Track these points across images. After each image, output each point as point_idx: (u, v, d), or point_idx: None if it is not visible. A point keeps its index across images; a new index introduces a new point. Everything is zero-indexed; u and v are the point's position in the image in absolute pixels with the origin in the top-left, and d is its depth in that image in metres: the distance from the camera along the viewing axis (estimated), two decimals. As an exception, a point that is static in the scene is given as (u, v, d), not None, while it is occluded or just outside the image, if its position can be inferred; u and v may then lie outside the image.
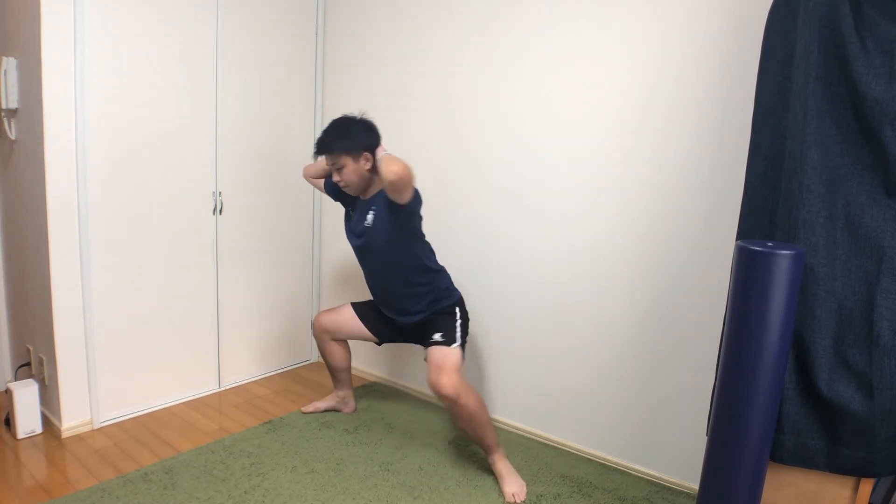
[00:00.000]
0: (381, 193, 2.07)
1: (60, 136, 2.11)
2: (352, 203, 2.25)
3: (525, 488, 1.98)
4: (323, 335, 2.41)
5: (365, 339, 2.38)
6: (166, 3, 2.34)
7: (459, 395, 1.94)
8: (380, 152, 2.05)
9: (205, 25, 2.49)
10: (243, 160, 2.73)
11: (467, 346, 2.64)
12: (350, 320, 2.36)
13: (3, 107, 2.25)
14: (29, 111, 2.18)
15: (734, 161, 1.85)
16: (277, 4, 2.77)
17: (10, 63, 2.22)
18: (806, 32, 1.33)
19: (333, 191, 2.30)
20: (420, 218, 2.13)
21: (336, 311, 2.39)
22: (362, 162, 2.06)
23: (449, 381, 1.95)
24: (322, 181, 2.36)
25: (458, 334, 2.12)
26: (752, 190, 1.48)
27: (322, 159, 2.23)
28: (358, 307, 2.39)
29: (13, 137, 2.32)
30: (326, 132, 2.08)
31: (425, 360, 2.10)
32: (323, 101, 3.06)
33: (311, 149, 3.02)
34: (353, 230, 2.21)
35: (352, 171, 2.06)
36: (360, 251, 2.21)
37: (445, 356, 2.03)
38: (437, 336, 2.10)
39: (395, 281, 2.16)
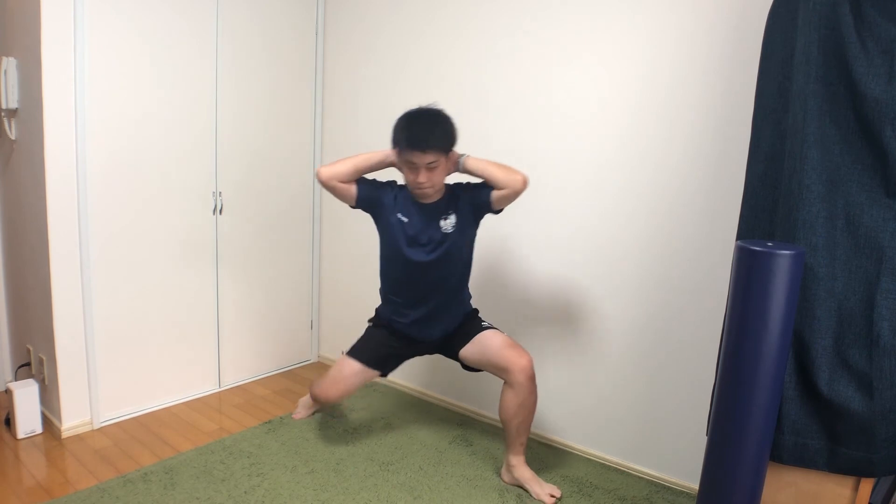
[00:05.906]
0: (458, 197, 1.93)
1: (60, 136, 2.11)
2: (400, 209, 1.95)
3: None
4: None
5: (369, 381, 2.21)
6: (166, 4, 2.34)
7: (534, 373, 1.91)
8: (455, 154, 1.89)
9: (205, 25, 2.49)
10: (243, 160, 2.73)
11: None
12: (353, 377, 2.10)
13: (3, 107, 2.24)
14: (29, 111, 2.18)
15: (734, 161, 1.85)
16: (277, 4, 2.77)
17: (10, 63, 2.22)
18: (806, 32, 1.34)
19: (368, 196, 1.97)
20: None
21: (338, 380, 2.11)
22: (451, 162, 1.88)
23: (529, 357, 1.91)
24: (353, 186, 1.95)
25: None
26: (752, 190, 1.48)
27: (359, 157, 1.93)
28: (357, 353, 2.12)
29: (13, 137, 2.32)
30: (420, 125, 1.81)
31: (466, 366, 2.08)
32: (323, 100, 3.06)
33: (312, 148, 3.05)
34: (418, 239, 1.92)
35: (443, 171, 1.85)
36: (418, 265, 1.93)
37: (505, 336, 2.00)
38: (484, 323, 2.06)
39: (448, 293, 2.01)
